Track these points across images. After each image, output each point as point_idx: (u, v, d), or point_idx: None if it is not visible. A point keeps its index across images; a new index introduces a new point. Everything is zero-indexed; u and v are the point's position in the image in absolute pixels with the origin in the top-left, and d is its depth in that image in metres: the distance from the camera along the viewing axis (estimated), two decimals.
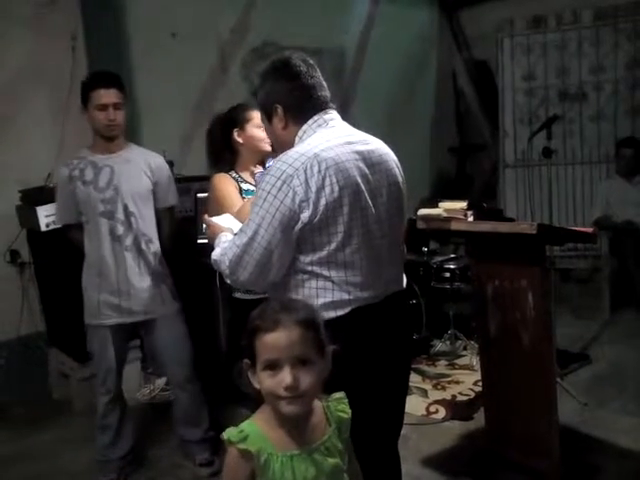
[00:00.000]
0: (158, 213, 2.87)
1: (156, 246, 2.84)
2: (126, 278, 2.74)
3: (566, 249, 5.35)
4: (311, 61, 1.83)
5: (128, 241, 2.75)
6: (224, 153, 2.58)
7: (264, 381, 1.27)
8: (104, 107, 2.66)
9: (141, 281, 2.77)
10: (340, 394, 1.43)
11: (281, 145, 1.84)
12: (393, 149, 1.88)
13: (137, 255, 2.76)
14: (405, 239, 1.93)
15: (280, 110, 1.79)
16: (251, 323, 1.31)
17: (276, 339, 1.26)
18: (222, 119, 2.60)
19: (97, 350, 2.81)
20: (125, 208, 2.73)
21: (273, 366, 1.26)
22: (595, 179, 5.60)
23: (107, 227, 2.72)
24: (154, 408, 3.68)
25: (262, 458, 1.27)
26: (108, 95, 2.66)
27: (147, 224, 2.80)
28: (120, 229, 2.73)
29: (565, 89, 5.75)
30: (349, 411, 1.42)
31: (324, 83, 1.84)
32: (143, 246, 2.77)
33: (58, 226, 3.44)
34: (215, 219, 2.10)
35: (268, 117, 1.84)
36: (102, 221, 2.72)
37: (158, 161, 2.89)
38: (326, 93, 1.83)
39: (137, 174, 2.79)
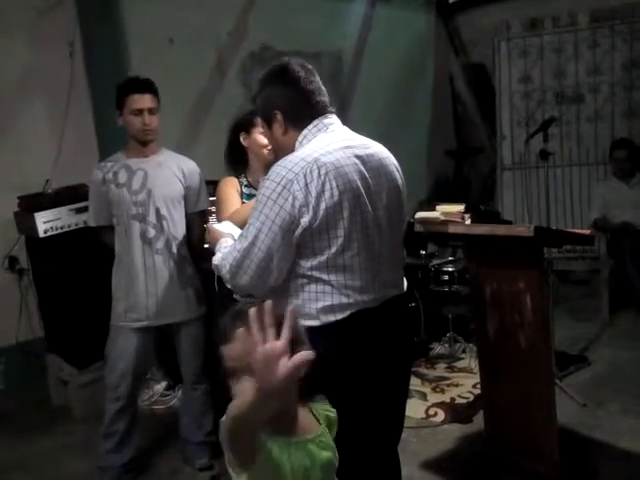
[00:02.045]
0: (188, 217, 2.88)
1: (186, 249, 2.86)
2: (155, 281, 2.75)
3: (564, 251, 5.37)
4: (309, 66, 1.83)
5: (159, 244, 2.76)
6: (237, 156, 2.57)
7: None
8: (139, 112, 2.69)
9: (170, 284, 2.78)
10: (319, 396, 1.42)
11: (282, 150, 1.83)
12: (391, 152, 1.88)
13: (167, 258, 2.78)
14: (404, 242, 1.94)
15: (279, 116, 1.79)
16: (229, 334, 1.30)
17: None
18: (235, 122, 2.59)
19: (116, 352, 2.78)
20: (157, 211, 2.75)
21: None
22: (592, 181, 5.61)
23: (138, 230, 2.74)
24: (153, 413, 3.67)
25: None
26: (143, 100, 2.69)
27: (178, 228, 2.82)
28: (151, 232, 2.75)
29: (562, 91, 5.77)
30: (334, 410, 1.42)
31: (323, 88, 1.84)
32: (174, 249, 2.79)
33: (55, 233, 3.47)
34: (216, 225, 2.13)
35: (268, 123, 1.84)
36: (134, 224, 2.73)
37: (190, 166, 2.91)
38: (325, 98, 1.83)
39: (170, 178, 2.81)
